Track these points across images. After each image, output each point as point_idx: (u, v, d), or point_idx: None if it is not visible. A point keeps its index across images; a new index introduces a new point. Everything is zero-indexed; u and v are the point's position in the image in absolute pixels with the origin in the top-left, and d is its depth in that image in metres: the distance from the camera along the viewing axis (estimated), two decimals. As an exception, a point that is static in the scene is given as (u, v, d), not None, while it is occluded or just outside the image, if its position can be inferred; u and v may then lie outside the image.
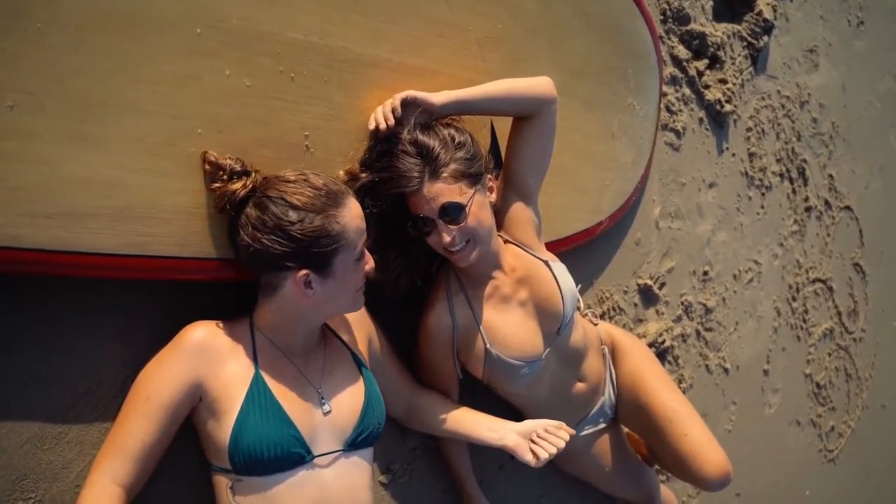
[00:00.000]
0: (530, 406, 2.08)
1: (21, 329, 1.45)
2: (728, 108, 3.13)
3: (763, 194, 3.42)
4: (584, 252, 2.51)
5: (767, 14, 3.29)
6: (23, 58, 1.31)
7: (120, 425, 1.46)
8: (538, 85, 1.85)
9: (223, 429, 1.49)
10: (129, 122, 1.43)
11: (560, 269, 1.98)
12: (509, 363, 1.89)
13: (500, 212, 1.93)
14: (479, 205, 1.75)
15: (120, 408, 1.49)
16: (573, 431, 1.80)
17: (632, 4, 2.43)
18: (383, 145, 1.70)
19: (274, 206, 1.48)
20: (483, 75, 1.95)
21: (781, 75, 3.54)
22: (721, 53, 3.09)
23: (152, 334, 1.57)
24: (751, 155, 3.34)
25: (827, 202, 3.87)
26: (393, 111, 1.68)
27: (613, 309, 2.68)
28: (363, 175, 1.70)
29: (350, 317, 1.77)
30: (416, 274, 1.87)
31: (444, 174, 1.69)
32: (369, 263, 1.60)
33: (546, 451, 1.72)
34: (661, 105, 2.78)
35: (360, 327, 1.79)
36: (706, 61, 3.06)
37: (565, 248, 2.30)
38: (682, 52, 2.95)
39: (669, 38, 2.89)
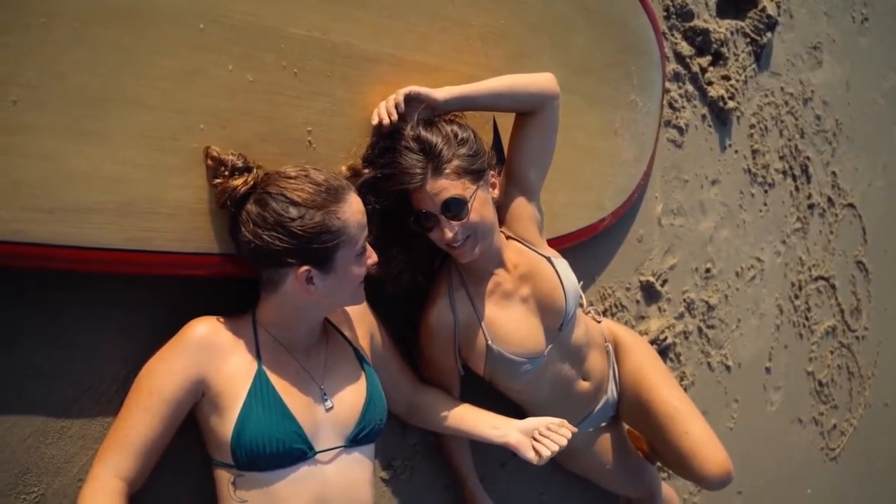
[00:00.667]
0: (532, 403, 2.08)
1: (23, 324, 1.45)
2: (731, 104, 3.13)
3: (766, 191, 3.41)
4: (587, 249, 2.50)
5: (771, 10, 3.29)
6: (26, 53, 1.31)
7: (122, 420, 1.46)
8: (541, 81, 1.85)
9: (226, 424, 1.49)
10: (132, 117, 1.43)
11: (562, 265, 1.98)
12: (511, 359, 1.89)
13: (502, 208, 1.93)
14: (481, 201, 1.75)
15: (122, 403, 1.49)
16: (575, 429, 1.79)
17: (635, 0, 2.42)
18: (386, 141, 1.70)
19: (274, 202, 1.47)
20: (486, 71, 1.94)
21: (785, 72, 3.53)
22: (724, 50, 3.09)
23: (155, 330, 1.57)
24: (754, 152, 3.33)
25: (830, 199, 3.87)
26: (396, 106, 1.68)
27: (615, 306, 2.68)
28: (366, 171, 1.70)
29: (352, 312, 1.77)
30: (418, 270, 1.87)
31: (447, 170, 1.69)
32: (371, 258, 1.60)
33: (548, 449, 1.72)
34: (664, 101, 2.78)
35: (362, 323, 1.79)
36: (709, 58, 3.05)
37: (567, 245, 2.30)
38: (686, 48, 2.94)
39: (673, 35, 2.89)
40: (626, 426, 2.36)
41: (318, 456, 1.55)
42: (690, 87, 2.98)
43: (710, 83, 3.06)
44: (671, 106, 2.88)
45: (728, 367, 3.22)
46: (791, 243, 3.60)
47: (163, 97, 1.46)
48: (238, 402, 1.49)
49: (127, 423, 1.45)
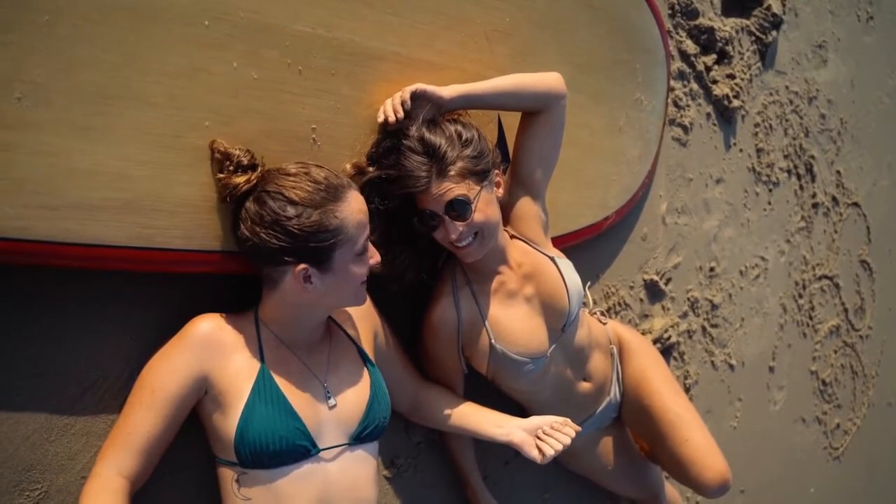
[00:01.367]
0: (534, 403, 2.07)
1: (27, 321, 1.45)
2: (736, 103, 3.12)
3: (770, 190, 3.41)
4: (591, 247, 2.50)
5: (776, 9, 3.28)
6: (30, 49, 1.31)
7: (125, 417, 1.46)
8: (547, 80, 1.85)
9: (229, 422, 1.49)
10: (136, 114, 1.43)
11: (566, 265, 1.97)
12: (514, 359, 1.89)
13: (507, 207, 1.93)
14: (485, 201, 1.74)
15: (126, 400, 1.49)
16: (579, 428, 1.79)
17: (640, -2, 2.42)
18: (390, 141, 1.70)
19: (272, 200, 1.47)
20: (491, 69, 1.94)
21: (790, 71, 3.52)
22: (729, 48, 3.08)
23: (158, 327, 1.57)
24: (758, 151, 3.32)
25: (834, 198, 3.86)
26: (402, 104, 1.68)
27: (619, 304, 2.68)
28: (370, 170, 1.69)
29: (356, 310, 1.77)
30: (423, 268, 1.87)
31: (452, 172, 1.68)
32: (374, 258, 1.60)
33: (552, 448, 1.72)
34: (669, 100, 2.77)
35: (366, 321, 1.78)
36: (714, 56, 3.04)
37: (572, 243, 2.29)
38: (691, 46, 2.93)
39: (678, 33, 2.88)
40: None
41: (321, 454, 1.55)
42: (695, 86, 2.97)
43: (714, 81, 3.05)
44: (676, 104, 2.87)
45: (731, 366, 3.21)
46: (795, 242, 3.59)
47: (167, 94, 1.46)
48: (241, 399, 1.49)
49: (130, 420, 1.45)
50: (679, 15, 2.88)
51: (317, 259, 1.49)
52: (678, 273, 2.92)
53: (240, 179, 1.50)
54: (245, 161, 1.51)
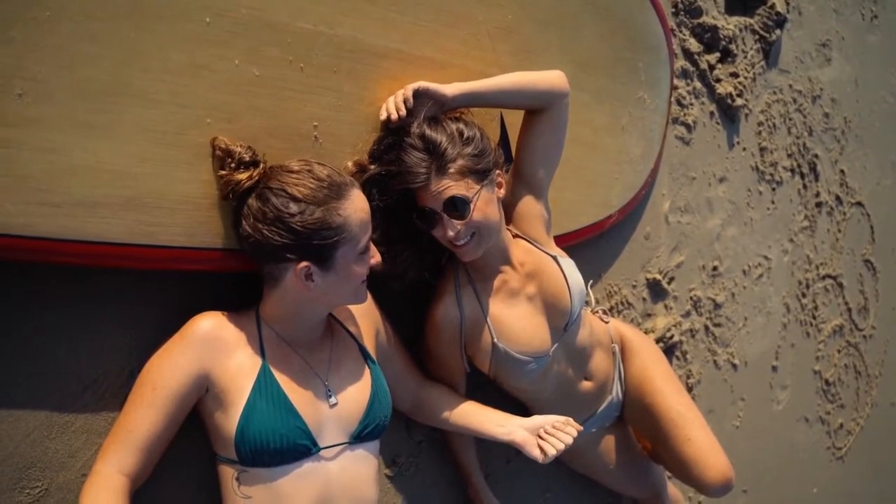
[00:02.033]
0: (536, 402, 2.07)
1: (28, 318, 1.45)
2: (739, 102, 3.11)
3: (773, 189, 3.40)
4: (593, 246, 2.50)
5: (780, 7, 3.27)
6: (32, 46, 1.30)
7: (126, 415, 1.46)
8: (551, 78, 1.84)
9: (230, 420, 1.49)
10: (138, 111, 1.42)
11: (568, 264, 1.97)
12: (516, 358, 1.88)
13: (509, 206, 1.92)
14: (485, 200, 1.74)
15: (127, 397, 1.49)
16: (580, 427, 1.79)
17: (643, -4, 2.41)
18: (391, 138, 1.69)
19: (275, 197, 1.47)
20: (493, 67, 1.94)
21: (793, 69, 3.51)
22: (733, 47, 3.07)
23: (159, 324, 1.57)
24: (762, 149, 3.31)
25: (838, 198, 3.85)
26: (405, 101, 1.67)
27: (622, 303, 2.67)
28: (371, 167, 1.69)
29: (357, 308, 1.76)
30: (425, 266, 1.86)
31: (451, 170, 1.68)
32: (375, 257, 1.59)
33: (553, 447, 1.72)
34: (672, 98, 2.77)
35: (368, 319, 1.78)
36: (718, 55, 3.03)
37: (574, 242, 2.29)
38: (694, 45, 2.92)
39: (681, 31, 2.87)
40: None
41: (322, 452, 1.54)
42: (698, 84, 2.96)
43: (718, 80, 3.05)
44: (679, 103, 2.86)
45: (734, 366, 3.20)
46: (799, 241, 3.58)
47: (169, 91, 1.45)
48: (242, 397, 1.49)
49: (130, 418, 1.45)
50: (682, 13, 2.87)
51: (318, 257, 1.48)
52: (681, 272, 2.91)
53: (242, 176, 1.50)
54: (247, 158, 1.51)
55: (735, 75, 3.11)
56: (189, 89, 1.48)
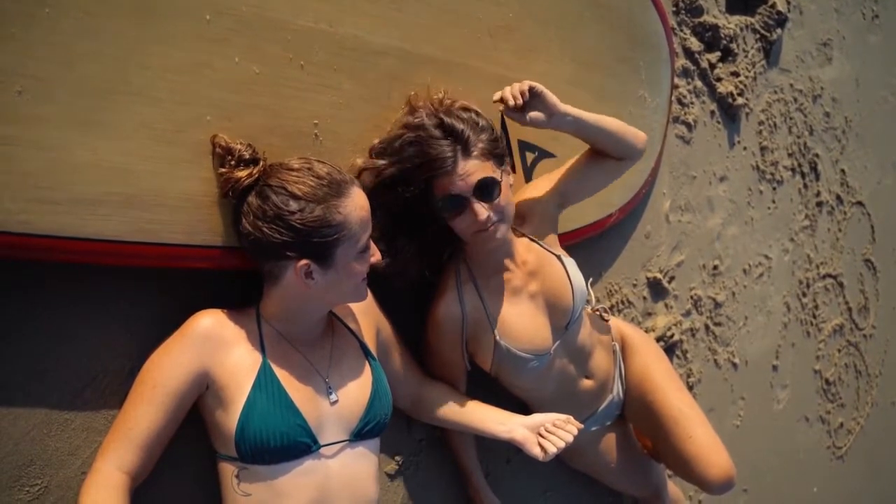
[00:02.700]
0: (537, 400, 2.07)
1: (28, 315, 1.45)
2: (740, 101, 3.11)
3: (774, 188, 3.40)
4: (594, 245, 2.49)
5: (781, 7, 3.26)
6: (31, 43, 1.30)
7: (126, 413, 1.45)
8: (641, 136, 1.93)
9: (230, 417, 1.48)
10: (138, 108, 1.42)
11: (571, 264, 1.98)
12: (518, 356, 1.88)
13: (531, 206, 1.95)
14: (506, 184, 1.76)
15: (126, 395, 1.49)
16: (581, 425, 1.79)
17: (644, -5, 2.41)
18: (410, 134, 1.70)
19: (275, 195, 1.47)
20: (495, 65, 1.94)
21: (794, 69, 3.51)
22: (734, 46, 3.07)
23: (160, 322, 1.57)
24: (762, 149, 3.31)
25: (839, 197, 3.84)
26: (522, 94, 1.70)
27: (622, 302, 2.67)
28: (387, 166, 1.69)
29: (358, 306, 1.76)
30: (426, 263, 1.86)
31: (475, 152, 1.69)
32: (375, 255, 1.59)
33: (554, 446, 1.72)
34: (673, 97, 2.76)
35: (368, 316, 1.78)
36: (718, 54, 3.03)
37: (575, 241, 2.29)
38: (695, 44, 2.92)
39: (682, 30, 2.87)
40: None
41: (322, 450, 1.54)
42: (699, 83, 2.96)
43: (719, 79, 3.04)
44: (680, 102, 2.86)
45: (735, 365, 3.20)
46: (799, 241, 3.58)
47: (169, 89, 1.45)
48: (242, 395, 1.49)
49: (130, 416, 1.44)
50: (683, 12, 2.87)
51: (319, 255, 1.48)
52: (681, 271, 2.91)
53: (241, 174, 1.50)
54: (247, 155, 1.51)
55: (736, 74, 3.10)
56: (189, 87, 1.47)
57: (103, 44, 1.37)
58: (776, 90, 3.39)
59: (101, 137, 1.39)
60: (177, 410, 1.47)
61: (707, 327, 3.05)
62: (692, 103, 2.92)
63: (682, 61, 2.87)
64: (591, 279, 2.06)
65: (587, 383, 2.09)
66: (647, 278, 2.77)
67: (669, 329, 2.81)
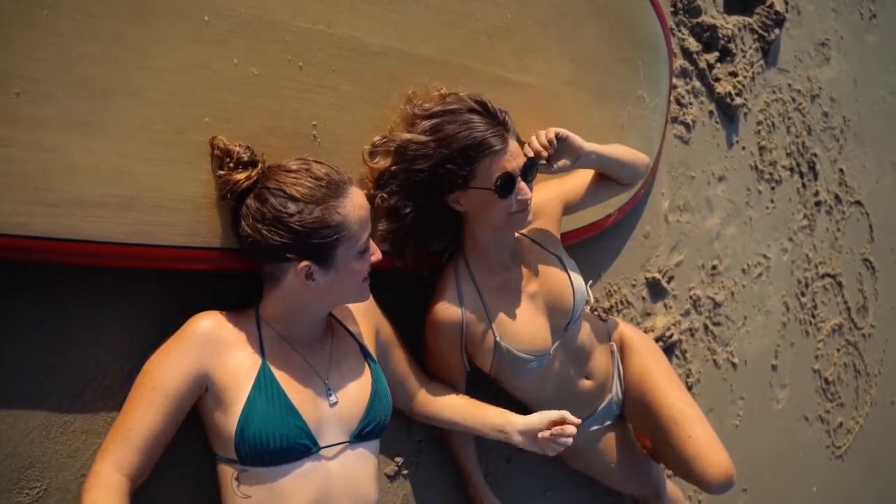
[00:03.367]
0: (535, 401, 2.07)
1: (27, 318, 1.45)
2: (738, 101, 3.11)
3: (773, 188, 3.40)
4: (593, 245, 2.49)
5: (779, 7, 3.26)
6: (30, 45, 1.30)
7: (125, 415, 1.45)
8: (645, 161, 2.04)
9: (229, 419, 1.48)
10: (136, 110, 1.42)
11: (571, 264, 1.98)
12: (518, 356, 1.88)
13: (541, 206, 1.96)
14: None
15: (126, 397, 1.48)
16: (579, 421, 1.78)
17: (643, -5, 2.41)
18: (462, 111, 1.70)
19: (273, 197, 1.47)
20: (493, 66, 1.94)
21: (792, 69, 3.51)
22: (732, 46, 3.07)
23: (159, 324, 1.57)
24: (761, 149, 3.31)
25: (837, 197, 3.84)
26: (550, 143, 1.75)
27: (621, 302, 2.67)
28: (440, 148, 1.68)
29: (357, 307, 1.76)
30: (424, 248, 1.86)
31: (511, 133, 1.73)
32: (375, 255, 1.59)
33: (553, 451, 1.73)
34: (671, 97, 2.76)
35: (368, 317, 1.78)
36: (717, 54, 3.03)
37: (574, 241, 2.29)
38: (693, 44, 2.92)
39: (680, 30, 2.87)
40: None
41: (322, 451, 1.54)
42: (698, 84, 2.96)
43: (717, 79, 3.04)
44: (678, 102, 2.86)
45: (734, 365, 3.20)
46: (798, 240, 3.58)
47: (167, 90, 1.45)
48: (242, 397, 1.49)
49: (130, 417, 1.44)
50: (682, 12, 2.87)
51: (319, 256, 1.48)
52: (680, 271, 2.91)
53: (240, 176, 1.50)
54: (245, 157, 1.51)
55: (734, 74, 3.10)
56: (188, 88, 1.47)
57: (102, 45, 1.37)
58: (774, 90, 3.39)
59: (99, 139, 1.39)
60: (176, 412, 1.47)
61: (706, 327, 3.05)
62: (690, 103, 2.92)
63: (680, 61, 2.87)
64: (590, 280, 2.07)
65: (586, 384, 2.09)
66: (646, 278, 2.77)
67: (668, 329, 2.81)
